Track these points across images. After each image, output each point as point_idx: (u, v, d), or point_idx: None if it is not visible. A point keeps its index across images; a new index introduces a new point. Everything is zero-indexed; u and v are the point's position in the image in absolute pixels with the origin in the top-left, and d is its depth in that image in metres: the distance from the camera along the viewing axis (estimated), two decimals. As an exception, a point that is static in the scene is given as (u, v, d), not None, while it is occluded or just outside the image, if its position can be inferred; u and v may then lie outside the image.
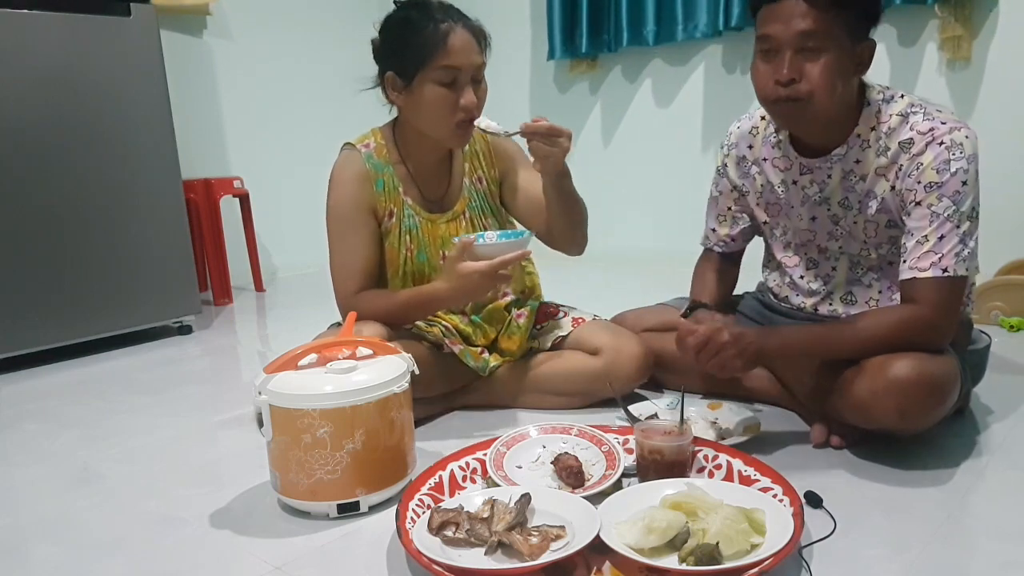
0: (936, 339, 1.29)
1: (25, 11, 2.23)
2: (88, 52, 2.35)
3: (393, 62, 1.50)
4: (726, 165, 1.59)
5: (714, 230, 1.65)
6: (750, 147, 1.54)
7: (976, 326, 1.57)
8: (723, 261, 1.66)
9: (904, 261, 1.31)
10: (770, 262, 1.63)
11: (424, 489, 1.21)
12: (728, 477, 1.23)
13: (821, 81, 1.25)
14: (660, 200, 3.49)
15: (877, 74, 2.88)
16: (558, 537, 1.03)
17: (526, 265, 1.80)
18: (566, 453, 1.28)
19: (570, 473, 1.23)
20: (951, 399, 1.28)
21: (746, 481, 1.20)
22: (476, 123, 1.51)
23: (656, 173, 3.49)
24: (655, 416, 1.48)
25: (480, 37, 1.48)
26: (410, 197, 1.61)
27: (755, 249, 1.69)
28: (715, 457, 1.28)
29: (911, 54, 2.69)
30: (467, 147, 1.65)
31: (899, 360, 1.24)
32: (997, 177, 2.52)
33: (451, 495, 1.22)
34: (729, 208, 1.62)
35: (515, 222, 1.72)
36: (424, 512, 1.11)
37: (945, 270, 1.26)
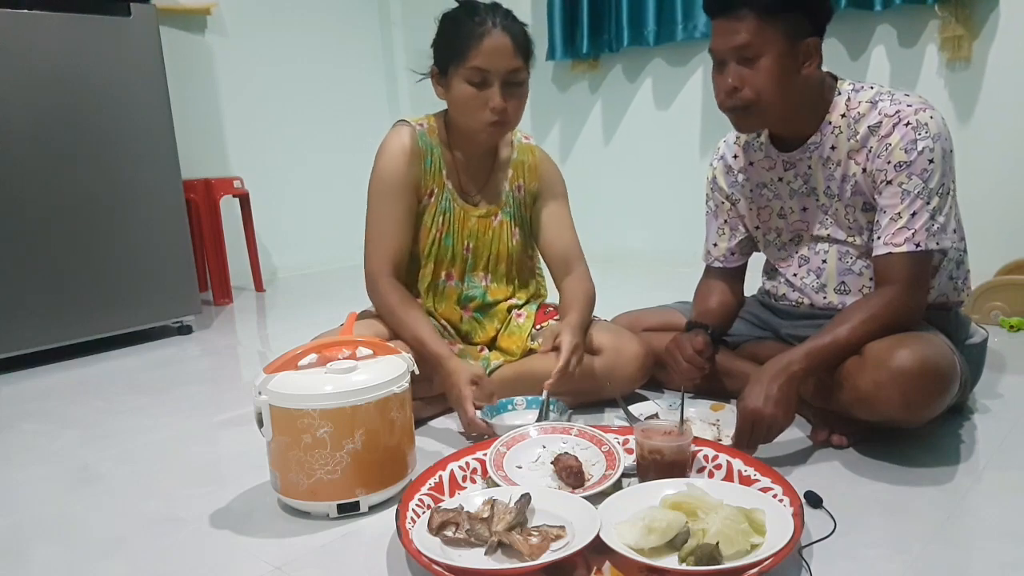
0: (912, 315, 1.36)
1: (25, 11, 2.23)
2: (88, 52, 2.35)
3: (436, 56, 1.56)
4: (715, 178, 1.63)
5: (715, 244, 1.66)
6: (735, 156, 1.59)
7: (974, 323, 1.57)
8: (725, 279, 1.66)
9: (879, 237, 1.36)
10: (766, 267, 1.67)
11: (424, 489, 1.20)
12: (728, 477, 1.23)
13: (761, 85, 1.34)
14: (660, 200, 3.49)
15: (877, 74, 2.90)
16: (558, 537, 1.03)
17: (537, 269, 1.83)
18: (566, 453, 1.28)
19: (570, 473, 1.23)
20: (953, 387, 1.29)
21: (746, 481, 1.20)
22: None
23: (656, 173, 3.49)
24: (655, 416, 1.48)
25: (520, 43, 1.50)
26: (451, 182, 1.64)
27: (757, 258, 1.70)
28: (715, 457, 1.28)
29: (911, 54, 2.69)
30: (515, 155, 1.69)
31: (901, 350, 1.25)
32: (997, 177, 2.53)
33: (451, 495, 1.22)
34: (726, 221, 1.64)
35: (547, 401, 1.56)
36: (424, 512, 1.11)
37: (918, 245, 1.32)
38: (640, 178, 3.53)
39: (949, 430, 1.45)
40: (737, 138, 1.58)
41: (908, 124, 1.32)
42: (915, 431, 1.34)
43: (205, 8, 3.39)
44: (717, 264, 1.66)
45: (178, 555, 1.16)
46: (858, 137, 1.38)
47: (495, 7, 1.52)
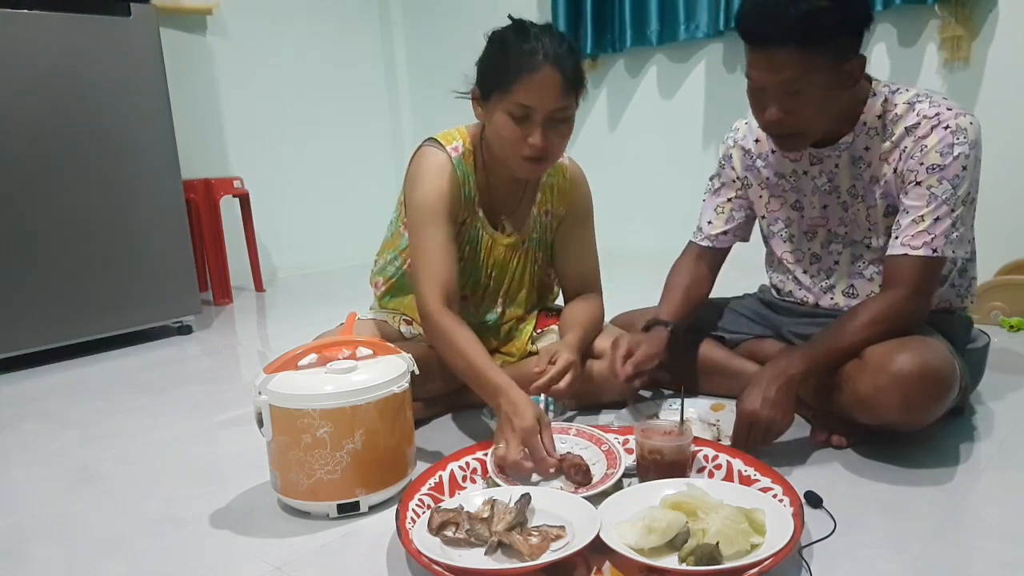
0: (915, 321, 1.35)
1: (25, 11, 2.23)
2: (88, 52, 2.35)
3: (480, 78, 1.44)
4: (730, 156, 1.59)
5: (710, 222, 1.63)
6: (756, 140, 1.55)
7: (976, 326, 1.57)
8: (706, 261, 1.63)
9: (896, 237, 1.34)
10: (771, 260, 1.64)
11: (424, 489, 1.20)
12: (728, 477, 1.23)
13: (808, 115, 1.30)
14: (661, 199, 3.49)
15: (877, 74, 2.86)
16: (558, 537, 1.03)
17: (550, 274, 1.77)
18: (570, 452, 1.28)
19: (578, 471, 1.23)
20: (953, 391, 1.29)
21: (746, 481, 1.20)
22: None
23: (658, 172, 3.49)
24: (655, 416, 1.48)
25: (571, 79, 1.36)
26: (482, 209, 1.56)
27: (755, 250, 1.69)
28: (715, 457, 1.28)
29: (911, 54, 2.69)
30: (545, 177, 1.60)
31: (901, 354, 1.25)
32: (997, 177, 2.52)
33: (451, 495, 1.22)
34: (729, 200, 1.61)
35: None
36: (424, 512, 1.11)
37: (935, 250, 1.31)
38: (642, 177, 3.54)
39: (949, 430, 1.45)
40: None
41: (947, 128, 1.30)
42: (915, 432, 1.34)
43: (207, 8, 3.39)
44: (705, 243, 1.63)
45: (178, 555, 1.16)
46: (893, 138, 1.35)
47: (548, 32, 1.38)
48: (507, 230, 1.60)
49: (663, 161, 3.46)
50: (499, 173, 1.54)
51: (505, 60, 1.36)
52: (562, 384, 1.41)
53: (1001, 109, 2.54)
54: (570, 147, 1.59)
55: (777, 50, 1.25)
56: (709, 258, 1.64)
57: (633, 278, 3.17)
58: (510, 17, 1.44)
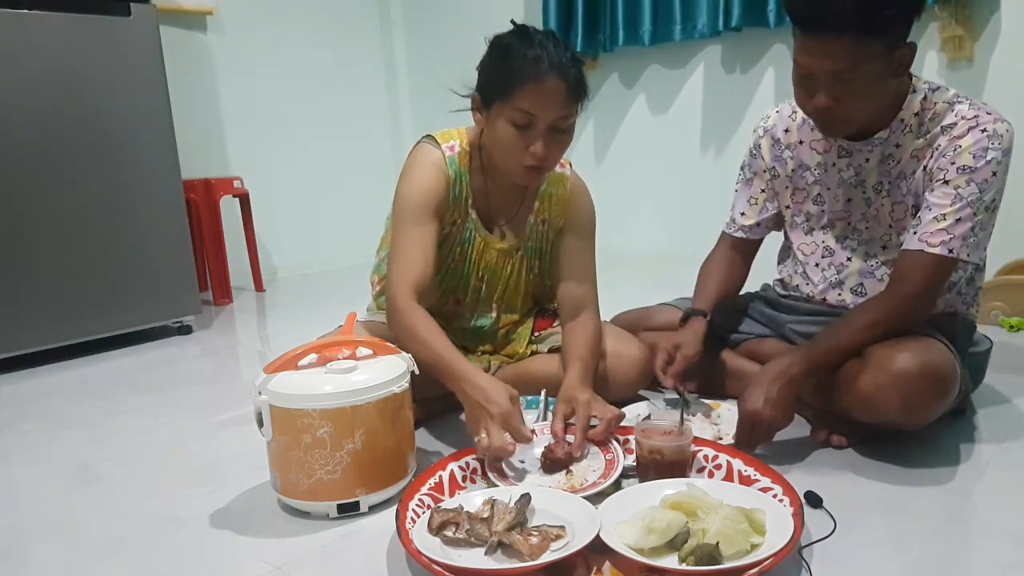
0: (918, 320, 1.35)
1: (25, 11, 2.23)
2: (88, 52, 2.35)
3: (481, 83, 1.41)
4: (759, 146, 1.59)
5: (743, 214, 1.63)
6: (786, 130, 1.54)
7: (979, 330, 1.57)
8: (740, 252, 1.65)
9: (914, 232, 1.33)
10: (786, 252, 1.64)
11: (424, 489, 1.20)
12: (728, 477, 1.23)
13: (856, 104, 1.28)
14: (659, 200, 3.49)
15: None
16: (558, 537, 1.03)
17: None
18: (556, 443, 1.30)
19: (548, 456, 1.27)
20: (953, 391, 1.29)
21: (746, 481, 1.20)
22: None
23: (654, 173, 3.49)
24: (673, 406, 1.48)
25: (574, 88, 1.35)
26: (476, 211, 1.53)
27: (762, 251, 1.70)
28: (715, 457, 1.28)
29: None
30: (544, 185, 1.57)
31: (902, 353, 1.25)
32: (997, 177, 2.53)
33: (451, 495, 1.22)
34: (762, 191, 1.60)
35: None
36: (424, 512, 1.12)
37: (951, 251, 1.30)
38: (638, 178, 3.53)
39: (950, 430, 1.45)
40: (793, 112, 1.52)
41: (984, 131, 1.29)
42: (915, 431, 1.34)
43: (208, 9, 3.39)
44: (739, 234, 1.64)
45: (178, 555, 1.16)
46: (928, 136, 1.34)
47: (552, 39, 1.36)
48: (503, 235, 1.59)
49: (660, 162, 3.45)
50: (498, 178, 1.52)
51: (508, 67, 1.33)
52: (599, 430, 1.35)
53: (1002, 109, 2.51)
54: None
55: (834, 38, 1.21)
56: (743, 249, 1.65)
57: (632, 279, 3.18)
58: (512, 22, 1.42)
